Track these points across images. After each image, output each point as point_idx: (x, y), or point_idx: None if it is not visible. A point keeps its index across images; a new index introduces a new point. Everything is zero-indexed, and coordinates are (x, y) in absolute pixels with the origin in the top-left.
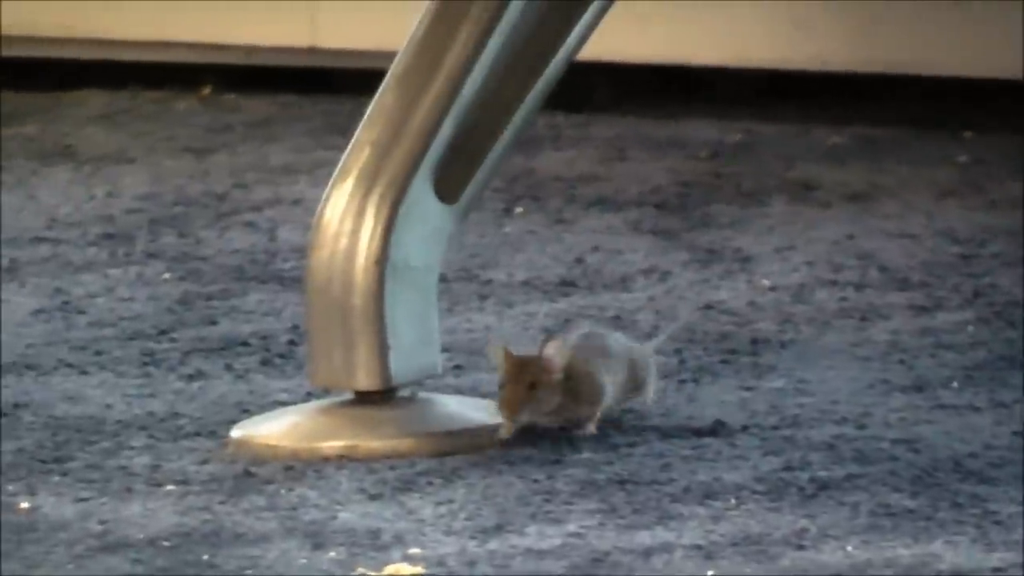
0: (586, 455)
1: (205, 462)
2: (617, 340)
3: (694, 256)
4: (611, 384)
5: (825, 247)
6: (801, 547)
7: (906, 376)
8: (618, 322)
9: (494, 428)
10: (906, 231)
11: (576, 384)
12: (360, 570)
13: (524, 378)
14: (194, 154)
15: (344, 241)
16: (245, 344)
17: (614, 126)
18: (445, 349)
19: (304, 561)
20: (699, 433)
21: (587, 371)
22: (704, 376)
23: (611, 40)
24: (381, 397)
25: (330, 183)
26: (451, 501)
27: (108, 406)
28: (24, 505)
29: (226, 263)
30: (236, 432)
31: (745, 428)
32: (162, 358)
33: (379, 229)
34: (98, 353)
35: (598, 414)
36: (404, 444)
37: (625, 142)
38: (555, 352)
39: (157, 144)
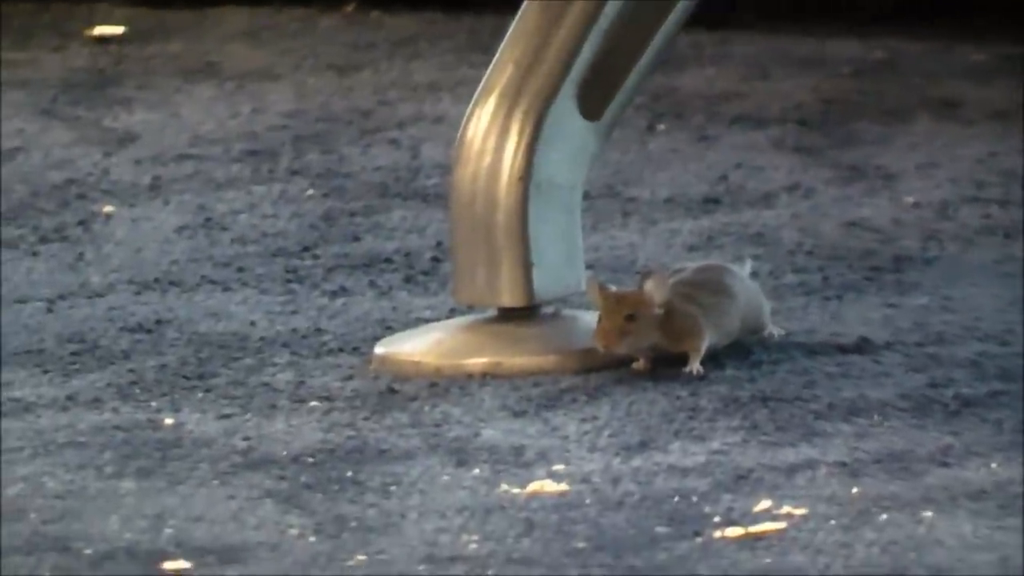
0: (729, 372)
1: (349, 379)
2: (735, 278)
3: (837, 173)
4: (715, 323)
5: (968, 164)
6: (945, 464)
7: None
8: (761, 239)
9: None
10: None
11: (675, 321)
12: (504, 487)
13: (621, 311)
14: (338, 71)
15: (488, 159)
16: (388, 261)
17: (756, 43)
18: (589, 266)
19: (447, 478)
20: (843, 350)
21: (686, 309)
22: (848, 293)
23: None
24: (524, 314)
25: (473, 100)
26: (595, 418)
27: (251, 323)
28: (168, 421)
29: (370, 180)
30: (380, 349)
31: (889, 345)
32: (305, 275)
33: (523, 146)
34: (241, 270)
35: (701, 352)
36: (548, 361)
37: (767, 59)
38: (654, 287)
39: (301, 61)
